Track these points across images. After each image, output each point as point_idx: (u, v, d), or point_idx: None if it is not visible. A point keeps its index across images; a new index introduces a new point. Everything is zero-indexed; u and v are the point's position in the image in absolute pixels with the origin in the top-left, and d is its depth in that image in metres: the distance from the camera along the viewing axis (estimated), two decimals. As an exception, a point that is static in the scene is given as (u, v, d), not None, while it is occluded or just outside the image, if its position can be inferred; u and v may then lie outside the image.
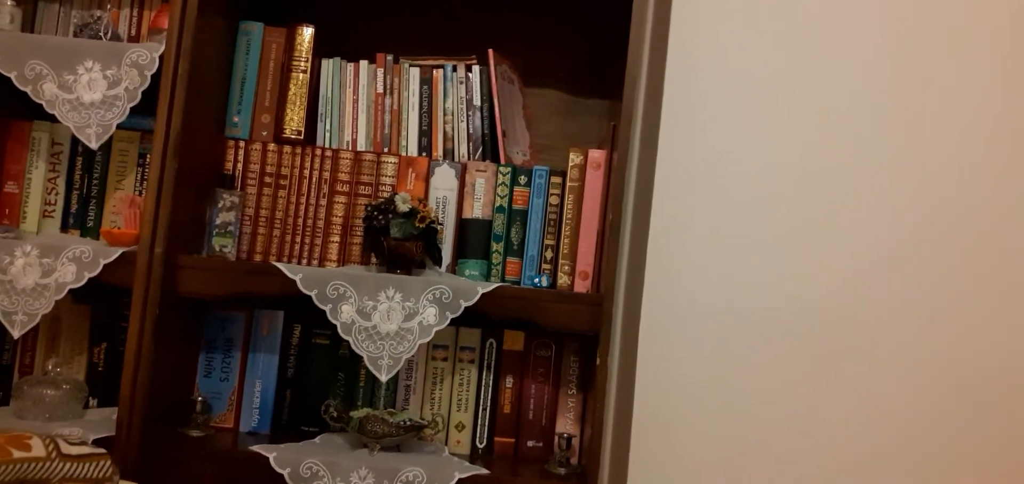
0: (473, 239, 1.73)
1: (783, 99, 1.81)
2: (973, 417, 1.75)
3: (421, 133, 1.78)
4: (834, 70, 1.81)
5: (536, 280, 1.70)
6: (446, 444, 1.75)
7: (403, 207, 1.64)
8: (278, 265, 1.63)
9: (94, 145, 1.63)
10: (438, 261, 1.72)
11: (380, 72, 1.79)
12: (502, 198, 1.73)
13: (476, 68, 1.79)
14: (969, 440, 1.75)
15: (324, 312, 1.61)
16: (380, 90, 1.79)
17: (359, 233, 1.73)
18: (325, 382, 1.77)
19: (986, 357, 1.75)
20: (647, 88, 1.88)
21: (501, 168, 1.74)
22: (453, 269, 1.74)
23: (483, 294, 1.61)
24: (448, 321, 1.61)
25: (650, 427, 1.79)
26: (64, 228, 1.77)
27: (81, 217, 1.77)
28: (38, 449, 1.37)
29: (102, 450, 1.45)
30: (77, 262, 1.61)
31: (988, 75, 1.78)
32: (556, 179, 1.72)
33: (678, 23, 1.83)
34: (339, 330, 1.61)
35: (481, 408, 1.77)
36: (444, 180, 1.75)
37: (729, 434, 1.79)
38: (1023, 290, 1.75)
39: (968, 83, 1.78)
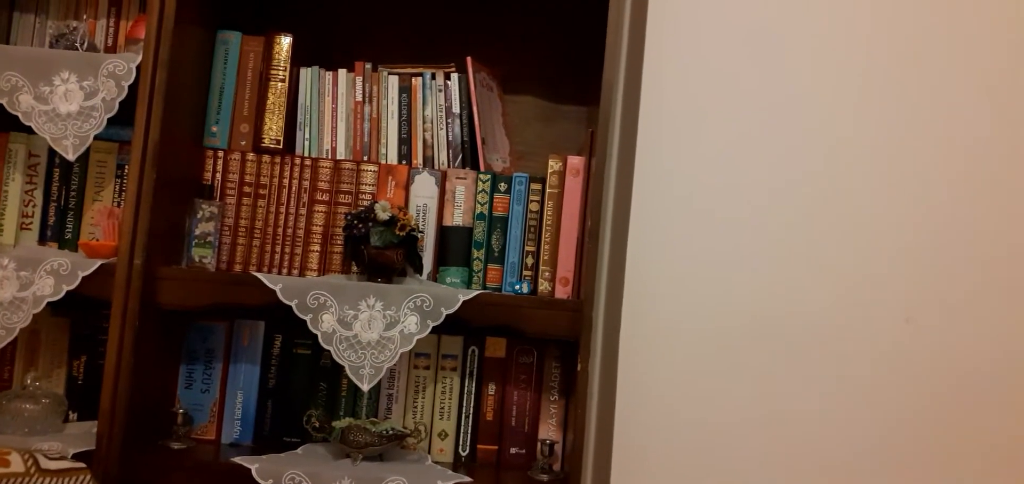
0: (454, 246, 1.73)
1: (762, 105, 1.82)
2: (956, 431, 1.77)
3: (401, 141, 1.79)
4: (812, 75, 1.82)
5: (517, 287, 1.70)
6: (429, 452, 1.75)
7: (383, 215, 1.64)
8: (258, 275, 1.63)
9: (71, 157, 1.63)
10: (419, 269, 1.72)
11: (359, 80, 1.79)
12: (482, 205, 1.73)
13: (455, 76, 1.79)
14: (952, 453, 1.77)
15: (305, 322, 1.60)
16: (359, 98, 1.79)
17: (339, 242, 1.73)
18: (307, 392, 1.76)
19: (970, 369, 1.77)
20: (624, 94, 1.89)
21: (481, 175, 1.74)
22: (434, 277, 1.74)
23: (464, 301, 1.62)
24: (429, 329, 1.61)
25: (632, 432, 1.80)
26: (42, 240, 1.75)
27: (59, 229, 1.76)
28: (17, 464, 1.36)
29: (82, 464, 1.44)
30: (55, 275, 1.60)
31: (966, 84, 1.80)
32: (536, 186, 1.73)
33: (654, 29, 1.84)
34: (320, 340, 1.60)
35: (464, 416, 1.77)
36: (424, 188, 1.75)
37: (711, 439, 1.79)
38: (1004, 296, 1.77)
39: (947, 92, 1.80)
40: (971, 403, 1.77)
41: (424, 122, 1.78)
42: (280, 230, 1.73)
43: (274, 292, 1.61)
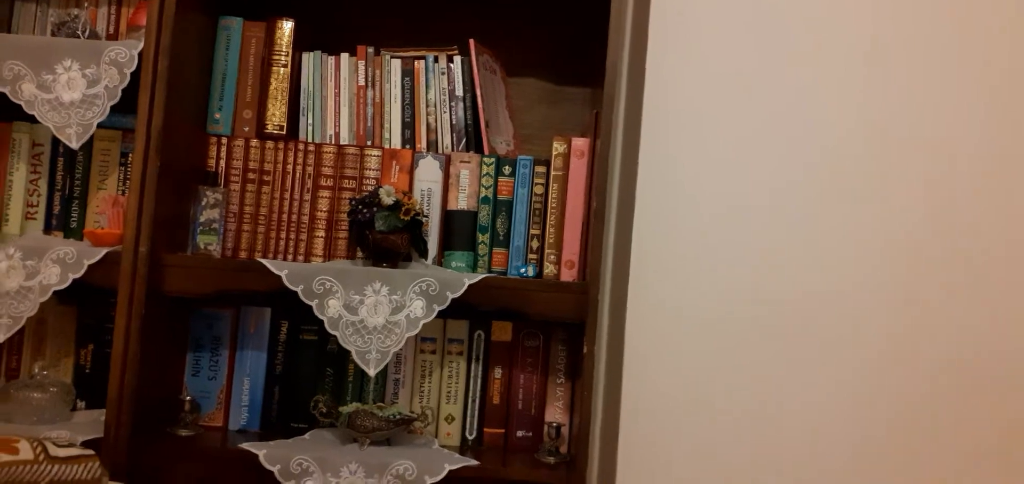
0: (459, 230, 1.73)
1: (766, 89, 1.81)
2: (957, 415, 1.77)
3: (404, 125, 1.78)
4: (817, 60, 1.81)
5: (522, 270, 1.70)
6: (436, 436, 1.75)
7: (387, 200, 1.64)
8: (263, 261, 1.63)
9: (75, 145, 1.62)
10: (424, 253, 1.72)
11: (361, 64, 1.78)
12: (487, 189, 1.73)
13: (458, 58, 1.78)
14: (954, 437, 1.77)
15: (311, 307, 1.60)
16: (362, 83, 1.78)
17: (344, 227, 1.73)
18: (313, 378, 1.76)
19: (969, 355, 1.77)
20: (629, 74, 1.88)
21: (485, 159, 1.73)
22: (439, 261, 1.74)
23: (470, 285, 1.61)
24: (435, 313, 1.61)
25: (638, 413, 1.80)
26: (47, 230, 1.75)
27: (64, 218, 1.76)
28: (26, 452, 1.36)
29: (90, 451, 1.45)
30: (61, 264, 1.60)
31: (966, 77, 1.79)
32: (540, 168, 1.72)
33: (658, 10, 1.83)
34: (326, 325, 1.60)
35: (470, 399, 1.77)
36: (428, 172, 1.74)
37: (716, 420, 1.79)
38: (1004, 287, 1.77)
39: (948, 85, 1.79)
40: (972, 392, 1.76)
41: (427, 106, 1.78)
42: (285, 216, 1.73)
43: (280, 278, 1.61)
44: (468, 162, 1.74)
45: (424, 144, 1.77)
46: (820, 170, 1.80)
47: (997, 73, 1.78)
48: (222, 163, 1.74)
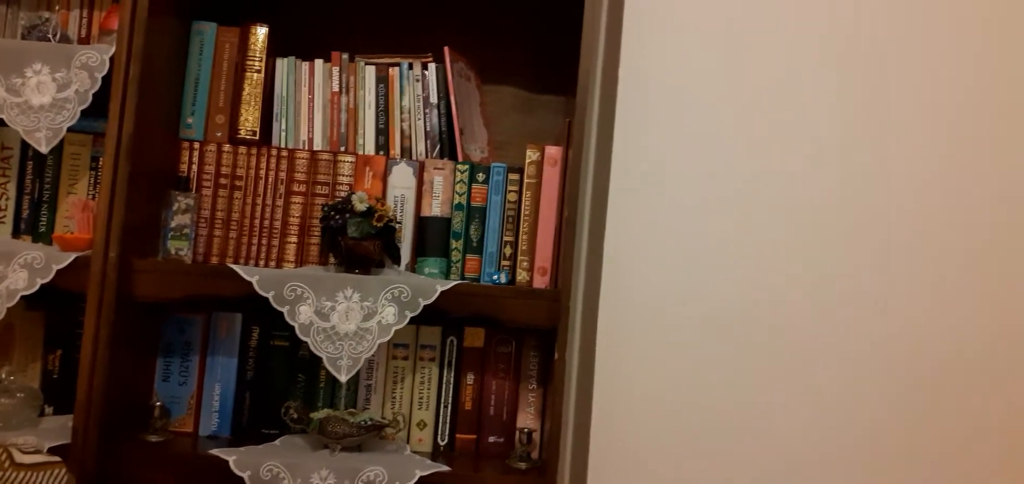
0: (432, 237, 1.73)
1: (740, 95, 1.83)
2: (932, 415, 1.79)
3: (378, 131, 1.78)
4: (791, 66, 1.83)
5: (495, 277, 1.70)
6: (408, 442, 1.75)
7: (360, 206, 1.64)
8: (235, 267, 1.62)
9: (44, 149, 1.61)
10: (397, 260, 1.72)
11: (336, 70, 1.78)
12: (460, 195, 1.73)
13: (433, 65, 1.79)
14: (928, 438, 1.79)
15: (282, 314, 1.60)
16: (336, 89, 1.78)
17: (316, 234, 1.73)
18: (285, 384, 1.76)
19: (945, 356, 1.79)
20: (602, 84, 1.90)
21: (459, 166, 1.74)
22: (412, 267, 1.74)
23: (442, 292, 1.62)
24: (407, 320, 1.61)
25: (609, 419, 1.81)
26: (15, 234, 1.74)
27: (33, 222, 1.74)
28: (-9, 459, 1.35)
29: (57, 458, 1.44)
30: (29, 268, 1.59)
31: (941, 76, 1.81)
32: (514, 176, 1.73)
33: (632, 18, 1.85)
34: (297, 331, 1.60)
35: (442, 406, 1.77)
36: (402, 178, 1.74)
37: (687, 426, 1.81)
38: (979, 287, 1.79)
39: (922, 84, 1.81)
40: (945, 392, 1.78)
41: (401, 112, 1.78)
42: (257, 222, 1.72)
43: (251, 284, 1.60)
44: (442, 169, 1.74)
45: (398, 151, 1.77)
46: (795, 176, 1.82)
47: (972, 69, 1.80)
48: (194, 168, 1.73)
